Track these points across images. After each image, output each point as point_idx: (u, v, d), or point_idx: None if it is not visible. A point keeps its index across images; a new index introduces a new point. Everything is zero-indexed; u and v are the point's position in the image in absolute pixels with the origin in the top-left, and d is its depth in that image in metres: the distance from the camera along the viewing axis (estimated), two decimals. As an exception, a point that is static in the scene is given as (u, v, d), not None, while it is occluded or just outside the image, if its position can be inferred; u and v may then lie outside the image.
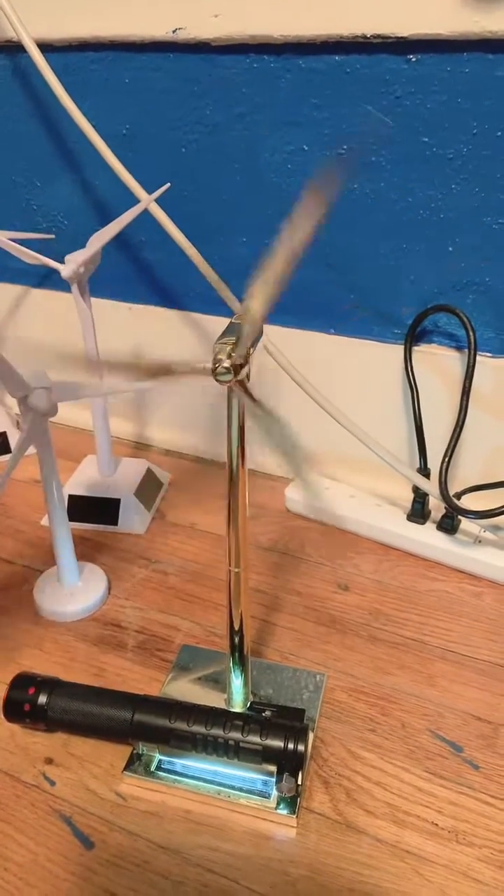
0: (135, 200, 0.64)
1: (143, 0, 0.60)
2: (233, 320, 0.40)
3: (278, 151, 0.63)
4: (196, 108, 0.64)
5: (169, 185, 0.60)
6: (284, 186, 0.64)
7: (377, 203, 0.61)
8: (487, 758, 0.48)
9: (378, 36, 0.54)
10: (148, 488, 0.72)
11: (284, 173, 0.63)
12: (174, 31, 0.60)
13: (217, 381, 0.35)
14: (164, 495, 0.74)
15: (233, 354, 0.35)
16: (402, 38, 0.54)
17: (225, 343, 0.36)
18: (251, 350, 0.37)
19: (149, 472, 0.73)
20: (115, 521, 0.69)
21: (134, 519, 0.69)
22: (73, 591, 0.60)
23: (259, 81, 0.60)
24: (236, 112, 0.62)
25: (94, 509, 0.69)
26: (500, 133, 0.55)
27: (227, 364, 0.35)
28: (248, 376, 0.36)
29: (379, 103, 0.57)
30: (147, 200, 0.60)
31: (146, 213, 0.64)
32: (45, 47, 0.63)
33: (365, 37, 0.55)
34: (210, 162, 0.66)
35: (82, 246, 0.60)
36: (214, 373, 0.35)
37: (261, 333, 0.39)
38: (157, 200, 0.62)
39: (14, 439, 0.81)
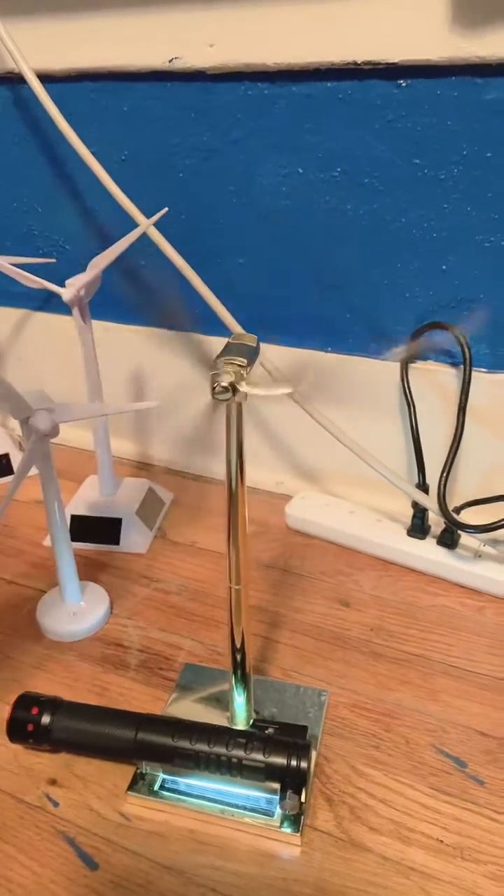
0: (133, 224, 0.65)
1: (141, 31, 0.62)
2: (230, 340, 0.40)
3: (273, 175, 0.64)
4: (192, 134, 0.65)
5: (167, 209, 0.61)
6: (280, 208, 0.65)
7: (371, 223, 0.62)
8: (492, 773, 0.47)
9: (369, 62, 0.56)
10: (149, 507, 0.73)
11: (280, 196, 0.64)
12: (171, 61, 0.62)
13: (216, 399, 0.36)
14: (166, 514, 0.75)
15: (230, 374, 0.36)
16: (392, 63, 0.55)
17: (222, 363, 0.37)
18: (248, 368, 0.37)
19: (150, 491, 0.74)
20: (116, 541, 0.69)
21: (136, 538, 0.69)
22: (76, 610, 0.60)
23: (254, 108, 0.62)
24: (232, 137, 0.64)
25: (95, 529, 0.70)
26: (489, 154, 0.56)
27: (224, 383, 0.36)
28: (245, 395, 0.37)
29: (371, 127, 0.58)
30: (145, 225, 0.61)
31: (145, 237, 0.65)
32: (45, 77, 0.65)
33: (356, 63, 0.56)
34: (207, 186, 0.67)
35: (83, 269, 0.61)
36: (213, 392, 0.36)
37: (258, 352, 0.40)
38: (156, 224, 0.63)
39: (17, 461, 0.82)
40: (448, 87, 0.55)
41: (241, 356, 0.38)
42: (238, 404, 0.38)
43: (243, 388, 0.36)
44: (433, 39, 0.53)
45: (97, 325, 0.66)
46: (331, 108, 0.59)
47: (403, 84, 0.56)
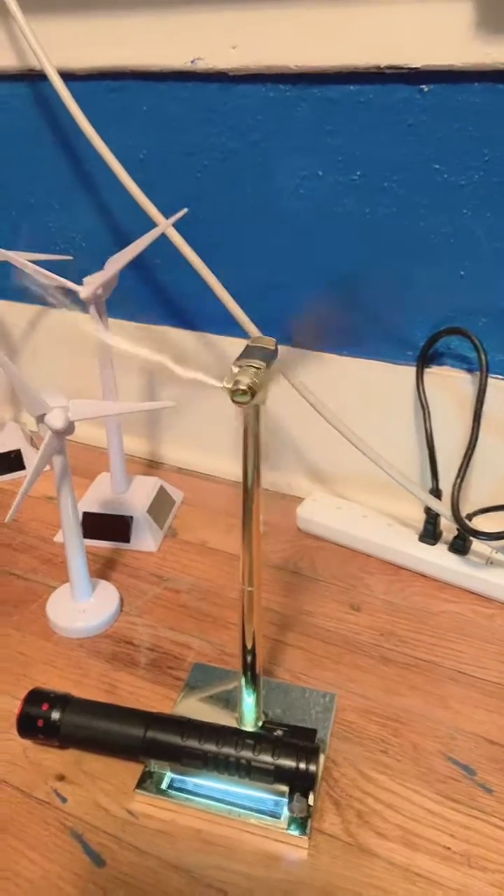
0: (150, 223, 0.65)
1: (164, 31, 0.62)
2: (249, 343, 0.40)
3: (292, 177, 0.64)
4: (212, 135, 0.65)
5: (186, 210, 0.61)
6: (298, 211, 0.65)
7: (390, 228, 0.62)
8: (500, 781, 0.47)
9: (392, 67, 0.56)
10: (161, 506, 0.73)
11: (298, 198, 0.64)
12: (193, 62, 0.62)
13: (234, 402, 0.36)
14: (177, 513, 0.75)
15: (250, 377, 0.36)
16: (415, 68, 0.55)
17: (242, 366, 0.37)
18: (268, 373, 0.37)
19: (161, 489, 0.74)
20: (127, 539, 0.69)
21: (146, 537, 0.69)
22: (86, 607, 0.60)
23: (275, 110, 0.62)
24: (252, 139, 0.64)
25: (106, 526, 0.70)
26: (511, 161, 0.56)
27: (244, 386, 0.36)
28: (264, 398, 0.37)
29: (392, 131, 0.58)
30: (164, 225, 0.61)
31: (162, 236, 0.65)
32: (67, 76, 0.65)
33: (379, 67, 0.56)
34: (225, 187, 0.67)
35: (99, 267, 0.61)
36: (233, 395, 0.36)
37: (276, 355, 0.40)
38: (173, 224, 0.64)
39: (28, 456, 0.82)
40: (470, 94, 0.55)
41: (260, 359, 0.38)
42: (256, 407, 0.38)
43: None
44: (456, 45, 0.53)
45: (112, 322, 0.66)
46: (352, 112, 0.59)
47: (426, 89, 0.56)
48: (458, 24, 0.53)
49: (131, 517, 0.70)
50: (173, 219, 0.62)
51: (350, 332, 0.68)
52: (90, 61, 0.66)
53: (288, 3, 0.57)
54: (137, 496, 0.72)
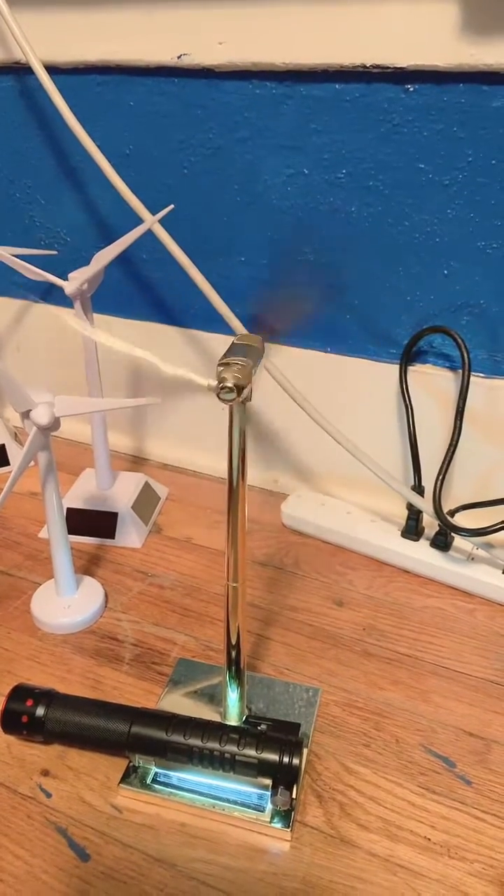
0: (136, 219, 0.65)
1: (150, 26, 0.62)
2: (235, 341, 0.41)
3: (278, 174, 0.64)
4: (199, 131, 0.65)
5: (172, 206, 0.61)
6: (284, 208, 0.65)
7: (374, 227, 0.63)
8: (479, 773, 0.48)
9: (377, 66, 0.56)
10: (145, 502, 0.73)
11: (284, 196, 0.65)
12: (179, 57, 0.62)
13: (221, 399, 0.36)
14: (162, 509, 0.75)
15: (236, 374, 0.36)
16: (400, 68, 0.56)
17: (228, 363, 0.37)
18: (254, 370, 0.38)
19: (146, 486, 0.74)
20: (112, 535, 0.69)
21: (131, 533, 0.69)
22: (70, 603, 0.60)
23: (261, 107, 0.62)
24: (238, 136, 0.64)
25: (91, 523, 0.70)
26: (494, 161, 0.56)
27: (230, 384, 0.36)
28: (250, 395, 0.37)
29: (378, 130, 0.59)
30: (151, 221, 0.61)
31: (148, 232, 0.65)
32: (52, 69, 0.65)
33: (365, 66, 0.56)
34: (211, 184, 0.67)
35: (84, 262, 0.61)
36: (219, 393, 0.36)
37: (263, 353, 0.40)
38: (160, 220, 0.64)
39: (12, 451, 0.81)
40: (455, 94, 0.55)
41: (247, 356, 0.38)
42: (242, 404, 0.38)
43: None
44: (442, 46, 0.54)
45: (97, 318, 0.66)
46: (338, 111, 0.59)
47: (411, 89, 0.57)
48: (443, 24, 0.53)
49: (116, 513, 0.70)
50: (160, 215, 0.62)
51: (334, 329, 0.68)
52: (76, 55, 0.66)
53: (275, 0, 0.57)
54: (122, 492, 0.72)
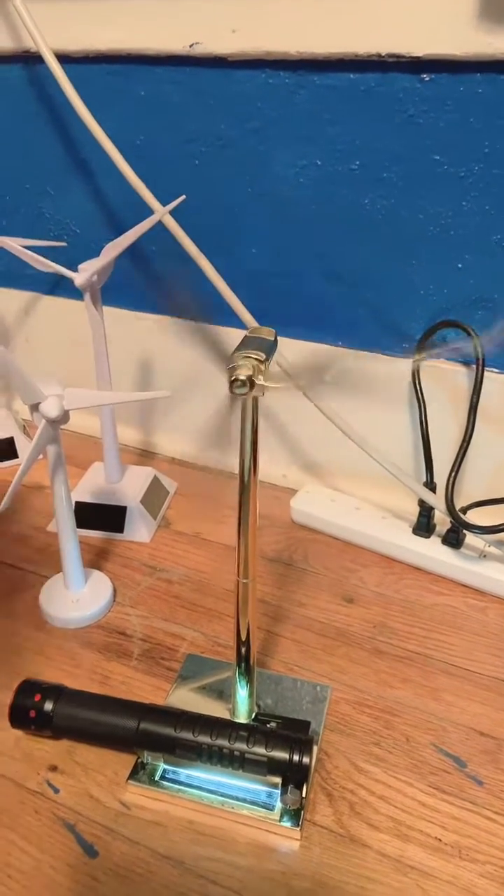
0: (147, 210, 0.65)
1: (162, 14, 0.61)
2: (248, 333, 0.40)
3: (291, 166, 0.63)
4: (211, 121, 0.64)
5: (184, 197, 0.60)
6: (296, 200, 0.64)
7: (388, 219, 0.62)
8: (491, 773, 0.48)
9: (393, 55, 0.55)
10: (154, 497, 0.72)
11: (296, 187, 0.64)
12: (191, 46, 0.61)
13: (233, 393, 0.36)
14: (171, 504, 0.74)
15: (248, 368, 0.36)
16: (416, 57, 0.55)
17: (240, 356, 0.36)
18: (267, 363, 0.37)
19: (155, 480, 0.74)
20: (120, 529, 0.69)
21: (140, 527, 0.69)
22: (79, 597, 0.60)
23: (274, 97, 0.61)
24: (250, 126, 0.63)
25: (99, 516, 0.70)
26: (511, 153, 0.55)
27: (242, 377, 0.35)
28: (263, 390, 0.37)
29: (392, 121, 0.58)
30: (162, 212, 0.60)
31: (159, 224, 0.64)
32: (63, 58, 0.64)
33: (380, 55, 0.55)
34: (223, 174, 0.66)
35: (94, 254, 0.61)
36: (231, 386, 0.36)
37: (276, 346, 0.40)
38: (170, 211, 0.63)
39: (21, 444, 0.81)
40: (472, 84, 0.54)
41: (259, 350, 0.37)
42: (254, 398, 0.38)
43: (260, 381, 0.36)
44: (459, 34, 0.53)
45: (107, 310, 0.65)
46: (352, 101, 0.58)
47: (427, 78, 0.56)
48: (460, 12, 0.52)
49: (125, 507, 0.69)
50: (171, 206, 0.61)
51: (346, 323, 0.68)
52: (87, 43, 0.65)
53: (289, -13, 0.56)
54: (131, 486, 0.72)
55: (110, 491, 0.71)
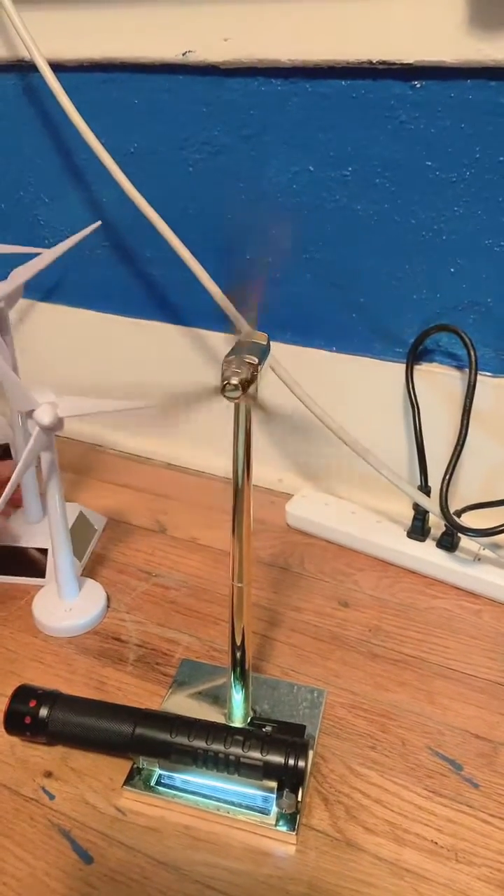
0: (141, 217, 0.65)
1: (155, 23, 0.62)
2: (240, 338, 0.40)
3: (284, 172, 0.64)
4: (204, 128, 0.65)
5: (99, 223, 0.58)
6: (289, 206, 0.65)
7: (380, 224, 0.62)
8: (487, 776, 0.48)
9: (384, 62, 0.56)
10: (80, 535, 0.67)
11: (290, 193, 0.64)
12: (184, 54, 0.62)
13: (226, 398, 0.36)
14: (99, 539, 0.70)
15: (241, 372, 0.36)
16: (407, 64, 0.55)
17: (233, 361, 0.37)
18: (259, 367, 0.37)
19: (80, 516, 0.69)
20: (42, 574, 0.64)
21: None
22: (72, 606, 0.60)
23: (266, 104, 0.61)
24: (243, 133, 0.64)
25: (15, 561, 0.65)
26: (502, 158, 0.56)
27: (235, 381, 0.36)
28: (255, 393, 0.37)
29: (384, 127, 0.58)
30: (74, 239, 0.58)
31: (152, 229, 0.65)
32: (57, 67, 0.65)
33: (371, 62, 0.56)
34: (216, 181, 0.67)
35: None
36: (223, 390, 0.36)
37: (268, 351, 0.40)
38: (164, 217, 0.63)
39: (15, 448, 0.81)
40: (463, 90, 0.55)
41: (252, 354, 0.38)
42: (247, 403, 0.38)
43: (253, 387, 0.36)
44: (449, 41, 0.53)
45: (101, 315, 0.65)
46: (344, 107, 0.59)
47: (418, 85, 0.56)
48: (450, 19, 0.52)
49: (45, 549, 0.64)
50: (83, 233, 0.59)
51: (340, 327, 0.68)
52: (81, 52, 0.66)
53: (280, -4, 0.57)
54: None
55: (29, 532, 0.66)
